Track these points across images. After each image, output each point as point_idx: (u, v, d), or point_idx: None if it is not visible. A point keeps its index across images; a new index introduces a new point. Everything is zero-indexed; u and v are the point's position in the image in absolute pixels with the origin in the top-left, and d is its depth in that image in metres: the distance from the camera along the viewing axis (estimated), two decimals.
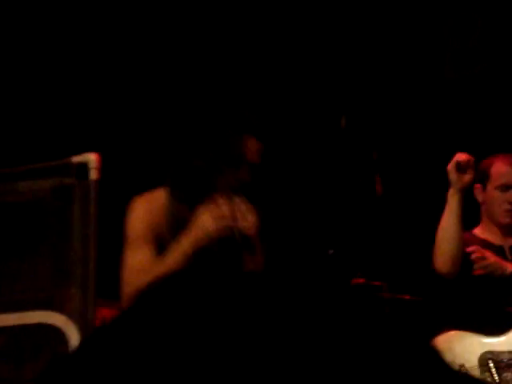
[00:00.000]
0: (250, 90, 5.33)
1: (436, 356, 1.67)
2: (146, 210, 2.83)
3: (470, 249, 3.75)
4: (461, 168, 3.67)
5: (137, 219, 2.82)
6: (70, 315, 3.71)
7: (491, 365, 3.66)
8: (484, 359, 3.67)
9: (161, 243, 2.82)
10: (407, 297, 4.69)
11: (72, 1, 5.34)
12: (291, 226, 5.25)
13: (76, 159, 3.54)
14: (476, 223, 4.05)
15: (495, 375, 3.63)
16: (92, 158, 3.49)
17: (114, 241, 3.07)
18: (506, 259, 3.87)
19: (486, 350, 3.68)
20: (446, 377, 1.69)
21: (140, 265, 2.79)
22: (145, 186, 2.97)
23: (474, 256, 3.72)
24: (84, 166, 3.52)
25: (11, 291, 4.06)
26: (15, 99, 5.41)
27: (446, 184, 3.77)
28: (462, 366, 3.62)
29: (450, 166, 3.70)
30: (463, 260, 3.77)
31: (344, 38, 5.28)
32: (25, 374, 4.36)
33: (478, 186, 3.94)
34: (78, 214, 3.55)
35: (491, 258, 3.76)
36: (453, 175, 3.68)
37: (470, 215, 3.97)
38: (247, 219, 2.74)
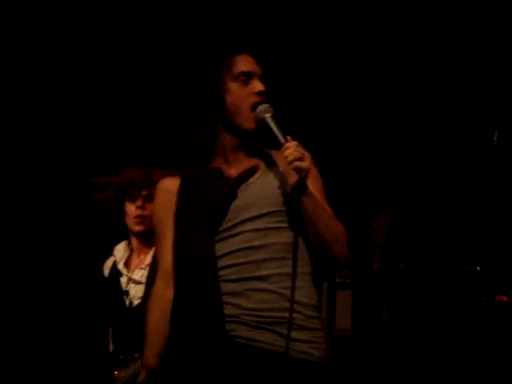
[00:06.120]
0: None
1: None
2: (164, 193, 2.69)
3: None
4: None
5: (156, 206, 2.71)
6: None
7: None
8: None
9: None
10: None
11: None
12: (439, 243, 5.18)
13: None
14: None
15: None
16: None
17: None
18: None
19: None
20: None
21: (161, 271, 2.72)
22: None
23: None
24: None
25: None
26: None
27: None
28: None
29: None
30: None
31: (497, 57, 5.17)
32: None
33: None
34: None
35: None
36: None
37: None
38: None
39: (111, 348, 3.59)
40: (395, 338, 5.14)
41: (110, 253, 3.66)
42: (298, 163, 2.45)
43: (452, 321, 4.87)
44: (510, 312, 4.51)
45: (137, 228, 3.58)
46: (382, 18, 5.07)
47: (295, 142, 2.48)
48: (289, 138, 2.51)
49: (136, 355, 3.36)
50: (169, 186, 2.66)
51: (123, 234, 3.65)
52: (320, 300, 5.78)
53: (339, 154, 5.39)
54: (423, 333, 5.07)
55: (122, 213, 3.61)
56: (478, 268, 4.45)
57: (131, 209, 3.59)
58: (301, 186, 2.49)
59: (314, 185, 2.59)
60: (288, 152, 2.46)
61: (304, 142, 2.57)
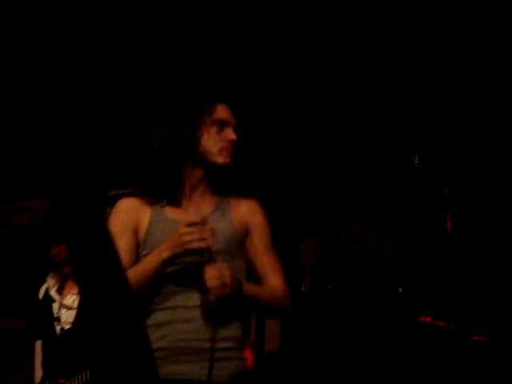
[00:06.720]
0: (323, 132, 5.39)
1: None
2: (126, 208, 2.90)
3: None
4: None
5: (114, 216, 2.89)
6: None
7: None
8: None
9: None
10: (474, 338, 4.62)
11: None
12: (362, 264, 5.25)
13: None
14: None
15: None
16: None
17: None
18: None
19: None
20: None
21: None
22: None
23: None
24: None
25: None
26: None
27: None
28: None
29: None
30: None
31: (420, 80, 5.30)
32: None
33: None
34: None
35: None
36: None
37: None
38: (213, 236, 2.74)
39: (40, 374, 3.55)
40: (323, 359, 5.18)
41: (44, 279, 3.63)
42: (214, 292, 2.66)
43: (379, 341, 4.93)
44: (433, 332, 4.59)
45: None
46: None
47: (218, 270, 2.68)
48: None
49: (62, 381, 3.33)
50: (127, 204, 2.89)
51: (48, 260, 3.61)
52: (249, 321, 5.76)
53: (266, 176, 5.44)
54: (351, 354, 5.12)
55: (45, 239, 3.57)
56: (400, 290, 4.53)
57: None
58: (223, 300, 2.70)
59: (258, 239, 2.93)
60: (207, 280, 2.67)
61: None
